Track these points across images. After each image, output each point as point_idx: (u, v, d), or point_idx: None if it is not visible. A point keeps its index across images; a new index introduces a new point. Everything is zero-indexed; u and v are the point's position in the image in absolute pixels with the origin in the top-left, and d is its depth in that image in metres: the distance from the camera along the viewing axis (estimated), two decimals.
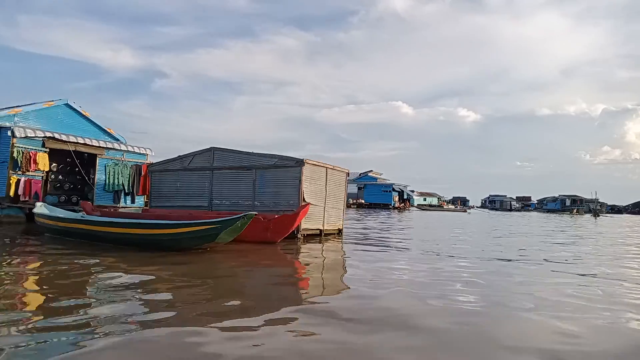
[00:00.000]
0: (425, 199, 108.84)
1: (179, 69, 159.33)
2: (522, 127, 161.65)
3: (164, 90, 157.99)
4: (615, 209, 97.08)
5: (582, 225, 27.93)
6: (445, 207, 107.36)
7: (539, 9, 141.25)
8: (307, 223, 11.09)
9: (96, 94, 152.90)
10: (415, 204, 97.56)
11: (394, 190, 60.27)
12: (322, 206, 11.76)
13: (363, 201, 59.56)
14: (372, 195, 60.38)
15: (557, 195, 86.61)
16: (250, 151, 11.54)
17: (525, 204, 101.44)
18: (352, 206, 57.98)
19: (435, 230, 18.38)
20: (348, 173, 13.16)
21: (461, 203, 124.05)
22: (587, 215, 67.19)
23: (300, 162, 10.76)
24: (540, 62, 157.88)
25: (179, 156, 12.33)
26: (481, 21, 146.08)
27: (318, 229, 11.66)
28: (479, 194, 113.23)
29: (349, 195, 62.38)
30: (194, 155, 12.15)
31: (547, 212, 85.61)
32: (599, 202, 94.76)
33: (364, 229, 16.34)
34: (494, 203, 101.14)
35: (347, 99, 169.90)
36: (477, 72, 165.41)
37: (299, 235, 10.61)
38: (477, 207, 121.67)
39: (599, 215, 57.98)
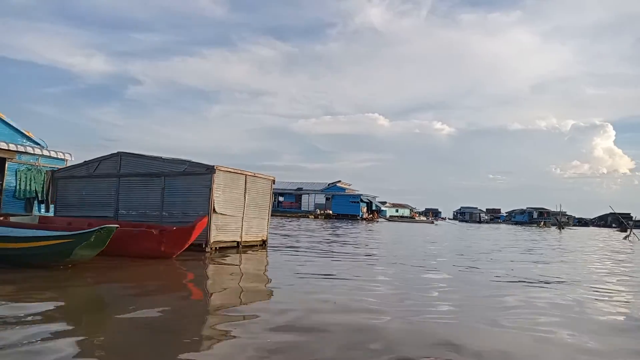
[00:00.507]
0: (397, 210, 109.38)
1: (154, 76, 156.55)
2: (494, 141, 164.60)
3: (138, 97, 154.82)
4: (582, 222, 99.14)
5: (545, 239, 27.75)
6: (416, 218, 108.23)
7: (511, 27, 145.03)
8: (221, 235, 10.17)
9: (67, 100, 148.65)
10: (387, 215, 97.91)
11: (362, 201, 59.74)
12: (240, 216, 10.85)
13: (331, 212, 58.84)
14: (340, 206, 59.70)
15: (525, 207, 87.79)
16: (159, 156, 10.58)
17: (495, 216, 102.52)
18: (319, 217, 57.22)
19: (374, 241, 17.70)
20: (274, 181, 12.31)
21: (433, 214, 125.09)
22: (554, 228, 68.28)
23: (211, 169, 9.85)
24: (512, 78, 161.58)
25: (85, 162, 11.26)
26: (455, 37, 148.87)
27: (235, 241, 10.73)
28: (453, 206, 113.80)
29: (317, 206, 61.84)
30: (100, 160, 11.09)
31: (515, 224, 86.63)
32: (566, 215, 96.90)
33: (297, 240, 15.51)
34: (464, 215, 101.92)
35: (324, 109, 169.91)
36: (451, 87, 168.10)
37: (208, 249, 9.66)
38: (449, 218, 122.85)
39: (563, 228, 58.72)
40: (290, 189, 64.17)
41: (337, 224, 36.78)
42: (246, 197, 11.05)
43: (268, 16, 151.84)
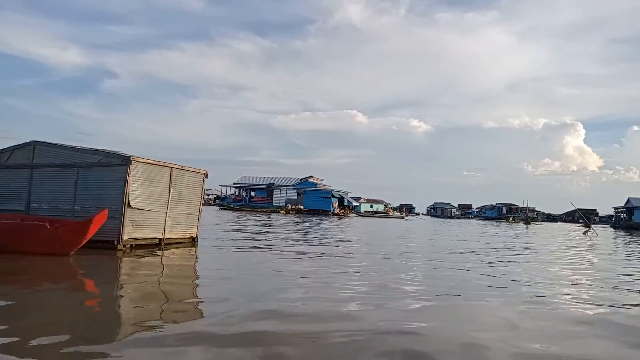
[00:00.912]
0: (371, 206, 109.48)
1: (130, 70, 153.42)
2: (469, 138, 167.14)
3: (114, 90, 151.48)
4: (550, 218, 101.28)
5: (512, 234, 27.85)
6: (390, 213, 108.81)
7: (486, 27, 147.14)
8: (138, 231, 9.55)
9: (41, 92, 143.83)
10: (362, 210, 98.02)
11: (333, 196, 59.47)
12: (164, 212, 10.25)
13: (302, 207, 58.39)
14: (312, 201, 59.27)
15: (495, 203, 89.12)
16: (74, 145, 9.88)
17: (466, 211, 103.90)
18: (290, 212, 56.70)
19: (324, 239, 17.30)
20: (206, 174, 11.71)
21: (407, 210, 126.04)
22: (522, 223, 69.41)
23: (127, 160, 9.20)
24: (487, 77, 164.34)
25: None
26: (432, 35, 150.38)
27: (156, 238, 10.13)
28: (428, 201, 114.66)
29: (288, 201, 61.24)
30: (12, 149, 10.30)
31: (485, 219, 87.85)
32: (535, 211, 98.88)
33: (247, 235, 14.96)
34: (436, 210, 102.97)
35: (303, 105, 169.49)
36: (428, 84, 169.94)
37: (121, 246, 9.03)
38: (422, 214, 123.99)
39: (530, 223, 59.68)
40: (262, 184, 63.46)
41: (307, 219, 36.34)
42: (171, 191, 10.44)
43: (247, 11, 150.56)
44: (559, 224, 79.48)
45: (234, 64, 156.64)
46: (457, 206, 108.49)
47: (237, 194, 64.94)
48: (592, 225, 32.89)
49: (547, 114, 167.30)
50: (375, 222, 40.96)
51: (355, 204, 65.82)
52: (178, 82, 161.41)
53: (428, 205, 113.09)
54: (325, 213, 56.99)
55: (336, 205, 60.04)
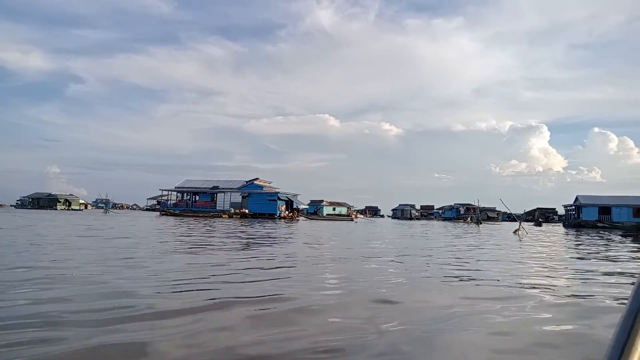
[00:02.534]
0: (334, 209, 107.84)
1: (97, 74, 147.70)
2: (440, 141, 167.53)
3: (80, 95, 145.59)
4: (512, 217, 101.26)
5: (451, 234, 25.74)
6: (353, 216, 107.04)
7: (453, 33, 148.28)
8: None
9: (2, 98, 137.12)
10: (324, 213, 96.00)
11: (279, 199, 56.82)
12: None
13: (247, 211, 55.53)
14: (257, 205, 56.54)
15: (453, 204, 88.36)
16: None
17: (428, 212, 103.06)
18: (234, 216, 53.78)
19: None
20: None
21: (370, 212, 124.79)
22: (484, 224, 68.59)
23: None
24: (455, 82, 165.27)
25: None
26: (401, 41, 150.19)
27: None
28: (400, 203, 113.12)
29: (232, 205, 58.20)
30: None
31: (444, 219, 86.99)
32: (496, 211, 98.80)
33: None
34: (397, 212, 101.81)
35: (275, 110, 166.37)
36: (398, 89, 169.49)
37: None
38: (387, 215, 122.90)
39: (481, 223, 58.69)
40: (205, 188, 60.26)
41: (242, 225, 33.40)
42: None
43: (216, 15, 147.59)
44: (514, 223, 78.97)
45: (204, 68, 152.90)
46: (419, 207, 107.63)
47: (180, 198, 61.50)
48: (523, 224, 31.32)
49: (513, 116, 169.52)
50: (322, 226, 38.34)
51: (303, 206, 63.18)
52: (147, 87, 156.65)
53: (392, 208, 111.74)
54: (271, 217, 54.32)
55: (283, 208, 57.39)
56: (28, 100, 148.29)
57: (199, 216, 53.05)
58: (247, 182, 59.30)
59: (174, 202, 60.89)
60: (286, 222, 45.18)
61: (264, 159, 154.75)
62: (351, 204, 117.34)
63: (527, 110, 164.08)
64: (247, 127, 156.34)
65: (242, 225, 30.90)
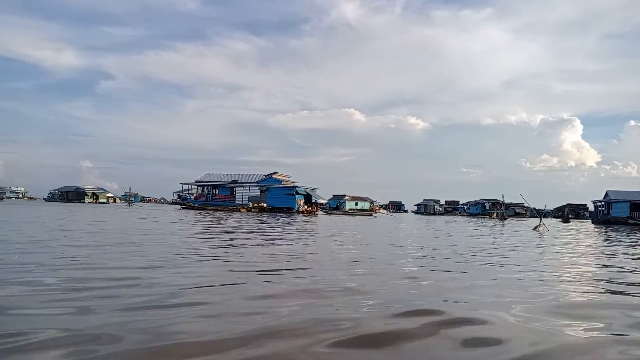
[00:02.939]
0: (356, 204, 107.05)
1: (126, 71, 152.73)
2: (467, 135, 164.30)
3: (110, 92, 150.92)
4: (541, 213, 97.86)
5: (470, 230, 24.62)
6: (375, 211, 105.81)
7: (482, 24, 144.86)
8: None
9: (37, 95, 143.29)
10: (347, 208, 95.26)
11: (298, 193, 56.36)
12: None
13: (265, 205, 55.34)
14: (275, 199, 56.27)
15: (478, 199, 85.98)
16: None
17: (453, 207, 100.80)
18: (252, 210, 53.67)
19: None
20: None
21: (392, 207, 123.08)
22: (509, 220, 66.42)
23: None
24: (484, 74, 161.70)
25: None
26: (428, 33, 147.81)
27: None
28: (426, 198, 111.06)
29: (251, 199, 58.12)
30: None
31: (469, 215, 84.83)
32: (524, 207, 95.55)
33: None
34: (421, 207, 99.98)
35: (301, 104, 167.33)
36: (425, 82, 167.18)
37: None
38: (412, 211, 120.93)
39: (506, 219, 56.72)
40: (224, 182, 60.38)
41: (261, 218, 33.01)
42: None
43: (242, 11, 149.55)
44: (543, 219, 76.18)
45: (230, 63, 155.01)
46: (444, 203, 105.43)
47: (201, 192, 61.88)
48: (546, 220, 29.62)
49: (544, 110, 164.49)
50: (341, 220, 37.56)
51: (322, 200, 62.53)
52: (174, 83, 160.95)
53: (415, 203, 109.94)
54: (289, 211, 53.96)
55: (301, 202, 56.92)
56: (61, 96, 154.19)
57: (217, 210, 53.19)
58: (265, 176, 59.08)
59: (194, 195, 61.26)
60: (304, 217, 44.71)
61: (289, 153, 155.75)
62: (374, 199, 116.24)
63: (558, 103, 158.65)
64: (273, 122, 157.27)
65: (254, 220, 30.48)
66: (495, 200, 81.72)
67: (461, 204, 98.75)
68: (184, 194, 61.73)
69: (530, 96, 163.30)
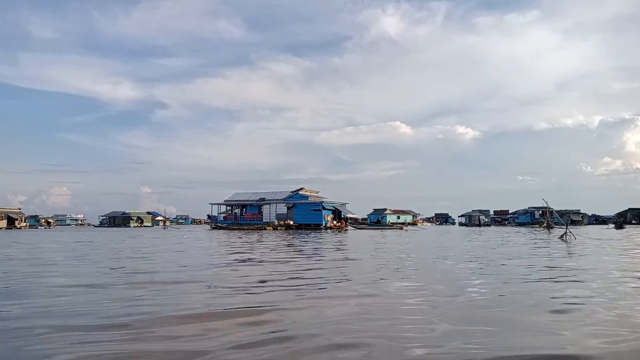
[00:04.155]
0: (398, 217, 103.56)
1: (179, 99, 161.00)
2: (521, 141, 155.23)
3: (165, 120, 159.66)
4: (599, 220, 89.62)
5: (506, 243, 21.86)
6: (418, 224, 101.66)
7: (529, 27, 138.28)
8: None
9: (98, 127, 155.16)
10: (388, 222, 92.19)
11: (324, 208, 54.64)
12: None
13: (291, 222, 54.09)
14: (302, 215, 54.90)
15: (527, 207, 80.00)
16: None
17: (502, 217, 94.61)
18: (279, 228, 52.58)
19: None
20: None
21: (439, 219, 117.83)
22: (556, 228, 60.93)
23: None
24: (534, 78, 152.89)
25: None
26: (472, 40, 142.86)
27: None
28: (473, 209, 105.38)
29: (278, 217, 57.07)
30: None
31: (518, 225, 78.91)
32: (581, 214, 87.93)
33: None
34: (466, 218, 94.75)
35: (346, 121, 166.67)
36: (472, 90, 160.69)
37: None
38: (459, 223, 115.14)
39: (552, 227, 51.70)
40: (252, 200, 59.95)
41: (282, 236, 31.78)
42: None
43: (284, 34, 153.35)
44: (599, 226, 69.23)
45: (275, 85, 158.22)
46: (492, 213, 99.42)
47: (230, 211, 61.85)
48: (570, 228, 25.80)
49: (602, 110, 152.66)
50: (367, 236, 35.32)
51: (351, 215, 60.25)
52: (223, 108, 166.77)
53: (460, 214, 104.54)
54: (317, 227, 52.35)
55: (329, 218, 55.11)
56: (120, 127, 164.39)
57: (244, 229, 52.65)
58: (292, 192, 57.96)
59: (223, 215, 61.32)
60: (333, 233, 42.90)
61: (336, 170, 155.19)
62: (420, 212, 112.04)
63: (617, 103, 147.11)
64: (318, 140, 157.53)
65: (275, 238, 29.17)
66: (545, 207, 75.50)
67: (510, 214, 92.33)
68: (213, 214, 61.89)
69: (586, 97, 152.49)
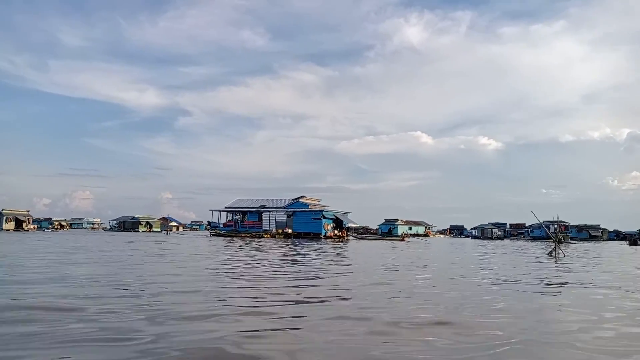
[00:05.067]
0: (410, 228, 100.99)
1: (202, 107, 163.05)
2: (545, 154, 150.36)
3: (187, 127, 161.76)
4: (621, 236, 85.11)
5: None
6: (430, 235, 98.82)
7: (555, 38, 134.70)
8: None
9: (122, 133, 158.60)
10: (400, 233, 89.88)
11: (325, 217, 53.07)
12: None
13: (290, 230, 52.70)
14: (301, 224, 53.44)
15: (542, 221, 76.33)
16: None
17: (518, 231, 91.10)
18: (277, 236, 51.29)
19: None
20: None
21: (453, 231, 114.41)
22: (574, 243, 58.24)
23: None
24: (560, 89, 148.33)
25: None
26: (497, 50, 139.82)
27: None
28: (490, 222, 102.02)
29: (277, 225, 55.78)
30: None
31: (533, 239, 75.58)
32: (600, 229, 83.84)
33: None
34: (478, 231, 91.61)
35: (366, 130, 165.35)
36: (495, 101, 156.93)
37: None
38: (473, 235, 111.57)
39: (562, 242, 48.77)
40: (253, 207, 58.89)
41: (275, 246, 30.56)
42: None
43: (307, 43, 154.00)
44: (616, 242, 65.64)
45: (297, 94, 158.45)
46: (508, 226, 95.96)
47: (230, 218, 60.93)
48: (560, 245, 23.69)
49: (631, 123, 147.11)
50: (367, 247, 33.78)
51: (353, 225, 58.39)
52: (245, 116, 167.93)
53: (472, 227, 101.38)
54: (317, 236, 50.82)
55: (329, 227, 53.49)
56: (143, 133, 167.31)
57: (242, 236, 51.61)
58: (292, 200, 56.67)
59: (223, 222, 60.44)
60: (332, 242, 41.38)
61: (355, 179, 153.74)
62: (431, 223, 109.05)
63: None
64: (338, 148, 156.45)
65: (274, 245, 27.95)
66: (561, 222, 72.00)
67: (526, 227, 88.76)
68: (213, 221, 61.07)
69: (614, 109, 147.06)
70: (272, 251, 22.85)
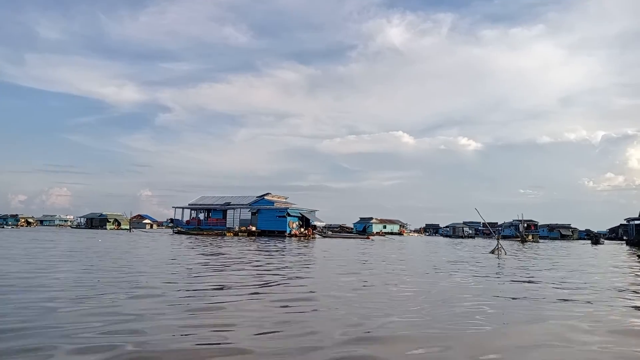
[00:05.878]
0: (385, 226, 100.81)
1: (182, 103, 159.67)
2: (523, 155, 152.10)
3: (168, 124, 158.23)
4: (591, 235, 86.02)
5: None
6: (404, 234, 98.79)
7: (534, 41, 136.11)
8: None
9: (101, 129, 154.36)
10: (374, 231, 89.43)
11: (289, 215, 51.98)
12: None
13: (254, 228, 51.49)
14: (266, 222, 52.30)
15: (512, 220, 77.06)
16: None
17: (493, 229, 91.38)
18: (240, 234, 50.04)
19: None
20: None
21: (427, 230, 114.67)
22: (542, 242, 58.64)
23: None
24: (538, 92, 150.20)
25: None
26: (477, 53, 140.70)
27: None
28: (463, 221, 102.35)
29: (242, 222, 54.51)
30: None
31: (503, 238, 75.91)
32: (571, 228, 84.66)
33: None
34: (449, 230, 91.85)
35: (348, 129, 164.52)
36: (475, 102, 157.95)
37: None
38: (444, 234, 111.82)
39: (526, 242, 49.14)
40: (217, 204, 57.50)
41: (232, 244, 29.20)
42: None
43: (290, 41, 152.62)
44: (580, 242, 66.22)
45: (280, 92, 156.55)
46: (481, 225, 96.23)
47: (195, 215, 59.41)
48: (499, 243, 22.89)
49: (605, 126, 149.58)
50: (329, 245, 32.63)
51: (320, 223, 57.40)
52: (227, 113, 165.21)
53: (443, 225, 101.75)
54: (281, 234, 49.72)
55: (294, 225, 52.41)
56: (122, 129, 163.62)
57: (204, 234, 50.20)
58: (258, 197, 55.46)
59: (187, 220, 58.90)
60: (296, 241, 40.30)
61: (337, 178, 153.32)
62: (406, 222, 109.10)
63: (621, 119, 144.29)
64: (321, 147, 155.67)
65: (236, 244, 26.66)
66: (530, 220, 72.60)
67: (497, 226, 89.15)
68: (176, 218, 59.49)
69: (590, 112, 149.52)
70: (204, 249, 21.64)
